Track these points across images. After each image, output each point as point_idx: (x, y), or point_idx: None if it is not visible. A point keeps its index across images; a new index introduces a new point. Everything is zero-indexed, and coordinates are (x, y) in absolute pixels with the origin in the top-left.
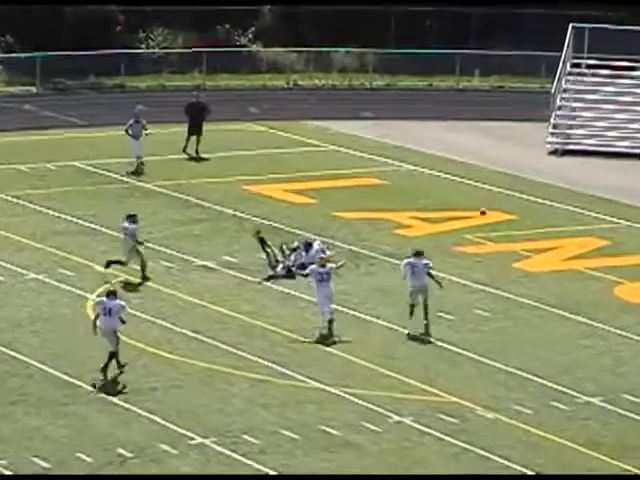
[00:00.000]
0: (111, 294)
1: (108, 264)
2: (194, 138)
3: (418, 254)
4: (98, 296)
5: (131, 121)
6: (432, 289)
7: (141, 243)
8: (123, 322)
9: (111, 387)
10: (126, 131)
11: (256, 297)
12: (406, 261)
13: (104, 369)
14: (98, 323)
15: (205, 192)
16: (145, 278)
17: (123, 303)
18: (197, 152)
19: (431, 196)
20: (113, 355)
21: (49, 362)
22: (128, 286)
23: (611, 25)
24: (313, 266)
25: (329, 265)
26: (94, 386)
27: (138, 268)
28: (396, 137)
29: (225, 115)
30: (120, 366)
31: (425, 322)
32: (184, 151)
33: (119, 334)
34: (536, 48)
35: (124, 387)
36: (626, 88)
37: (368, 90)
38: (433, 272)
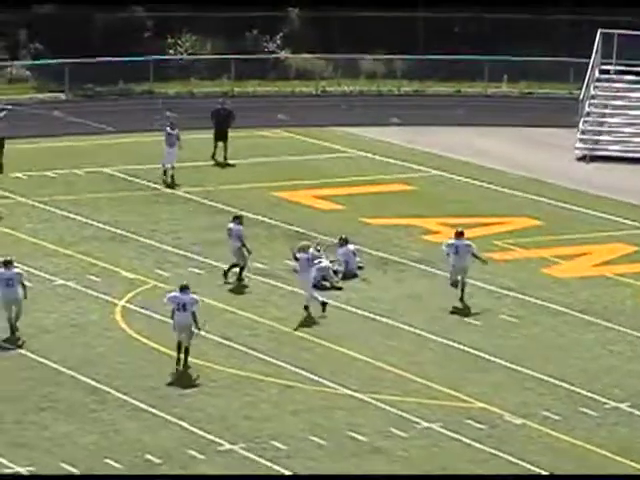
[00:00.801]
0: (184, 288)
1: (225, 274)
2: (221, 145)
3: (460, 235)
4: (169, 291)
5: (168, 129)
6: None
7: (244, 245)
8: (195, 321)
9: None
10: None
11: (285, 303)
12: (449, 242)
13: (185, 363)
14: (174, 319)
15: (233, 198)
16: (240, 279)
17: (197, 297)
18: (225, 158)
19: (459, 202)
20: (187, 350)
21: (78, 368)
22: (155, 291)
23: None
24: (299, 254)
25: (310, 250)
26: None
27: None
28: (424, 143)
29: (253, 122)
30: (186, 366)
31: (460, 297)
32: (213, 158)
33: (194, 329)
34: (564, 54)
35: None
36: None
37: (396, 96)
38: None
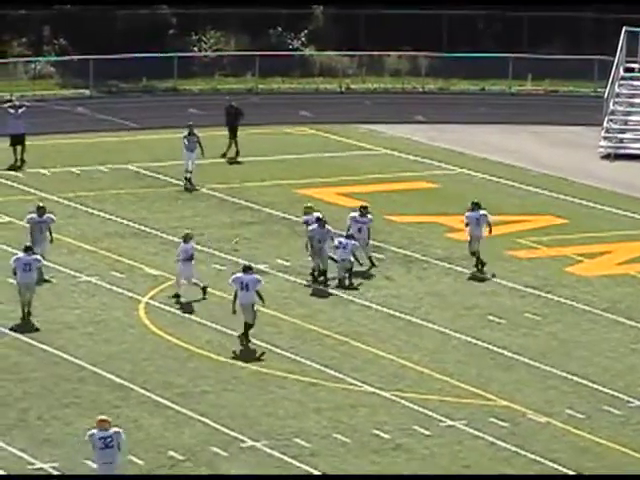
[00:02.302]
0: (247, 269)
1: (324, 278)
2: (233, 142)
3: (476, 206)
4: (233, 273)
5: (185, 133)
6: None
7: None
8: (261, 298)
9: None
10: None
11: (309, 300)
12: (467, 214)
13: (245, 337)
14: (238, 299)
15: (257, 195)
16: (315, 280)
17: (259, 277)
18: (225, 154)
19: (483, 200)
20: (250, 327)
21: (101, 365)
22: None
23: None
24: (183, 244)
25: (192, 243)
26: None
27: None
28: (448, 141)
29: (277, 118)
30: (248, 341)
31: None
32: (237, 154)
33: (256, 308)
34: (589, 52)
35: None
36: None
37: (421, 94)
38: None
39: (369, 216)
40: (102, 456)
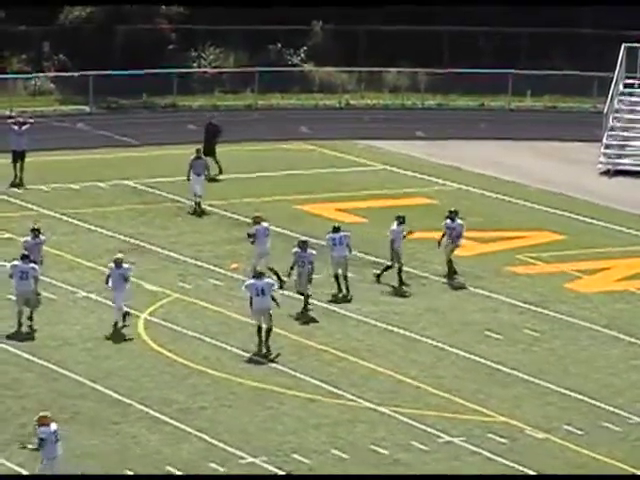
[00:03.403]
0: (259, 275)
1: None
2: (210, 160)
3: (453, 215)
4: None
5: (191, 158)
6: None
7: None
8: (276, 302)
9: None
10: (188, 173)
11: (307, 316)
12: (445, 222)
13: (266, 344)
14: (253, 305)
15: (255, 211)
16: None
17: (272, 282)
18: (220, 172)
19: (482, 216)
20: (269, 332)
21: (101, 381)
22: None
23: None
24: (112, 264)
25: (125, 266)
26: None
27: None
28: (447, 157)
29: (276, 135)
30: (268, 347)
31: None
32: (220, 172)
33: (272, 312)
34: (588, 68)
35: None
36: None
37: (420, 110)
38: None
39: (402, 226)
40: (51, 451)
